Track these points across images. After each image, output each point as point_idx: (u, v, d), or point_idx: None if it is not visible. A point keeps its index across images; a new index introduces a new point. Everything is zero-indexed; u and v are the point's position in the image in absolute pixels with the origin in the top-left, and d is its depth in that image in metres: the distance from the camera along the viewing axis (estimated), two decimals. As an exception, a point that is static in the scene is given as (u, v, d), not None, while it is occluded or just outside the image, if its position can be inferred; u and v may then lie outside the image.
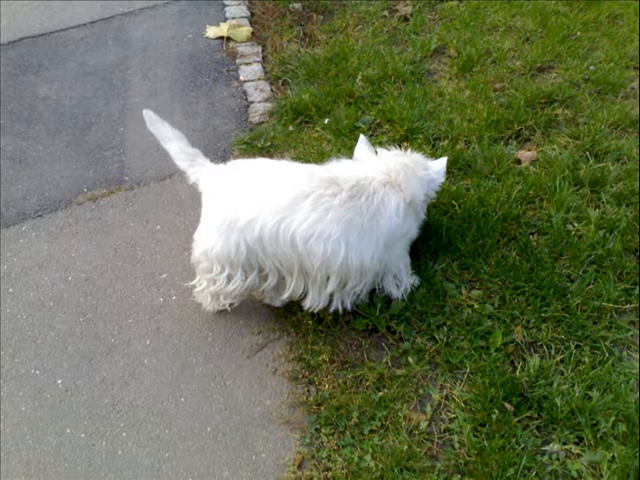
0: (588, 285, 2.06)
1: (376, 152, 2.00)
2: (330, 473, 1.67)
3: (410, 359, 1.91)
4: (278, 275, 1.85)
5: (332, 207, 1.72)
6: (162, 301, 2.16)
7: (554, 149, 2.59)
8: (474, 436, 1.72)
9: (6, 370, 1.97)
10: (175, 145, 1.90)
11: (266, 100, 3.03)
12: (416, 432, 1.75)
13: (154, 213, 2.48)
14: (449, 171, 2.45)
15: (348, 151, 2.49)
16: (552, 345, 1.91)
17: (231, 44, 3.45)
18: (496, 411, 1.74)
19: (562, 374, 1.84)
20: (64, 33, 3.57)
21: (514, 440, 1.70)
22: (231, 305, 2.02)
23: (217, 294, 1.95)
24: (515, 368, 1.87)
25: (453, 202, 2.35)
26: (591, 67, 3.02)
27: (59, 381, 1.94)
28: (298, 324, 2.03)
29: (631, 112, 2.74)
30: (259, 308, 2.10)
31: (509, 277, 2.09)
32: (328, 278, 1.81)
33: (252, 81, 3.17)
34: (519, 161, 2.57)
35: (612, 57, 3.07)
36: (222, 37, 3.50)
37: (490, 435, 1.70)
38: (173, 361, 1.98)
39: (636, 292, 2.04)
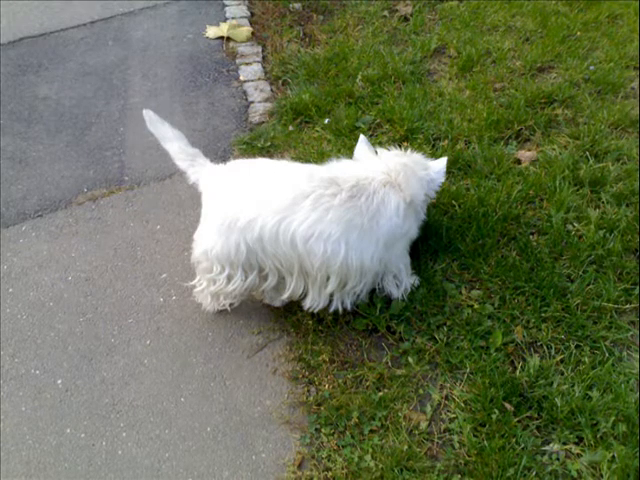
0: (588, 285, 2.06)
1: (376, 152, 2.00)
2: (330, 473, 1.67)
3: (410, 359, 1.91)
4: (278, 275, 1.85)
5: (332, 207, 1.72)
6: (162, 301, 2.16)
7: (554, 149, 2.59)
8: (474, 436, 1.72)
9: (6, 370, 1.97)
10: (175, 145, 1.90)
11: (266, 100, 3.03)
12: (416, 432, 1.75)
13: (154, 213, 2.48)
14: (449, 171, 2.45)
15: (348, 151, 2.49)
16: (552, 345, 1.91)
17: (231, 44, 3.45)
18: (496, 411, 1.74)
19: (562, 374, 1.84)
20: (64, 33, 3.57)
21: (514, 440, 1.70)
22: (231, 305, 2.02)
23: (217, 294, 1.95)
24: (515, 368, 1.87)
25: (453, 202, 2.35)
26: (591, 67, 3.02)
27: (59, 381, 1.94)
28: (298, 324, 2.03)
29: (631, 112, 2.74)
30: (259, 308, 2.10)
31: (509, 277, 2.09)
32: (328, 278, 1.81)
33: (252, 81, 3.17)
34: (519, 161, 2.57)
35: (612, 57, 3.07)
36: (222, 37, 3.50)
37: (490, 435, 1.70)
38: (173, 361, 1.98)
39: (636, 292, 2.04)
